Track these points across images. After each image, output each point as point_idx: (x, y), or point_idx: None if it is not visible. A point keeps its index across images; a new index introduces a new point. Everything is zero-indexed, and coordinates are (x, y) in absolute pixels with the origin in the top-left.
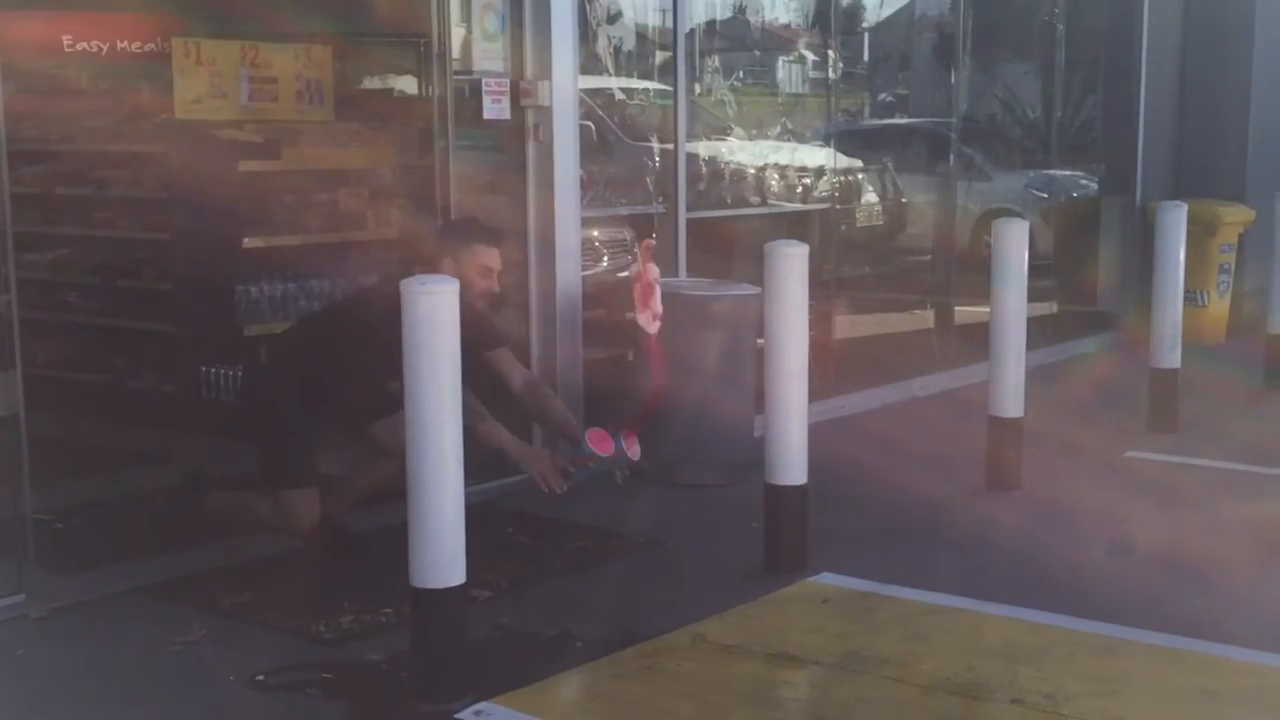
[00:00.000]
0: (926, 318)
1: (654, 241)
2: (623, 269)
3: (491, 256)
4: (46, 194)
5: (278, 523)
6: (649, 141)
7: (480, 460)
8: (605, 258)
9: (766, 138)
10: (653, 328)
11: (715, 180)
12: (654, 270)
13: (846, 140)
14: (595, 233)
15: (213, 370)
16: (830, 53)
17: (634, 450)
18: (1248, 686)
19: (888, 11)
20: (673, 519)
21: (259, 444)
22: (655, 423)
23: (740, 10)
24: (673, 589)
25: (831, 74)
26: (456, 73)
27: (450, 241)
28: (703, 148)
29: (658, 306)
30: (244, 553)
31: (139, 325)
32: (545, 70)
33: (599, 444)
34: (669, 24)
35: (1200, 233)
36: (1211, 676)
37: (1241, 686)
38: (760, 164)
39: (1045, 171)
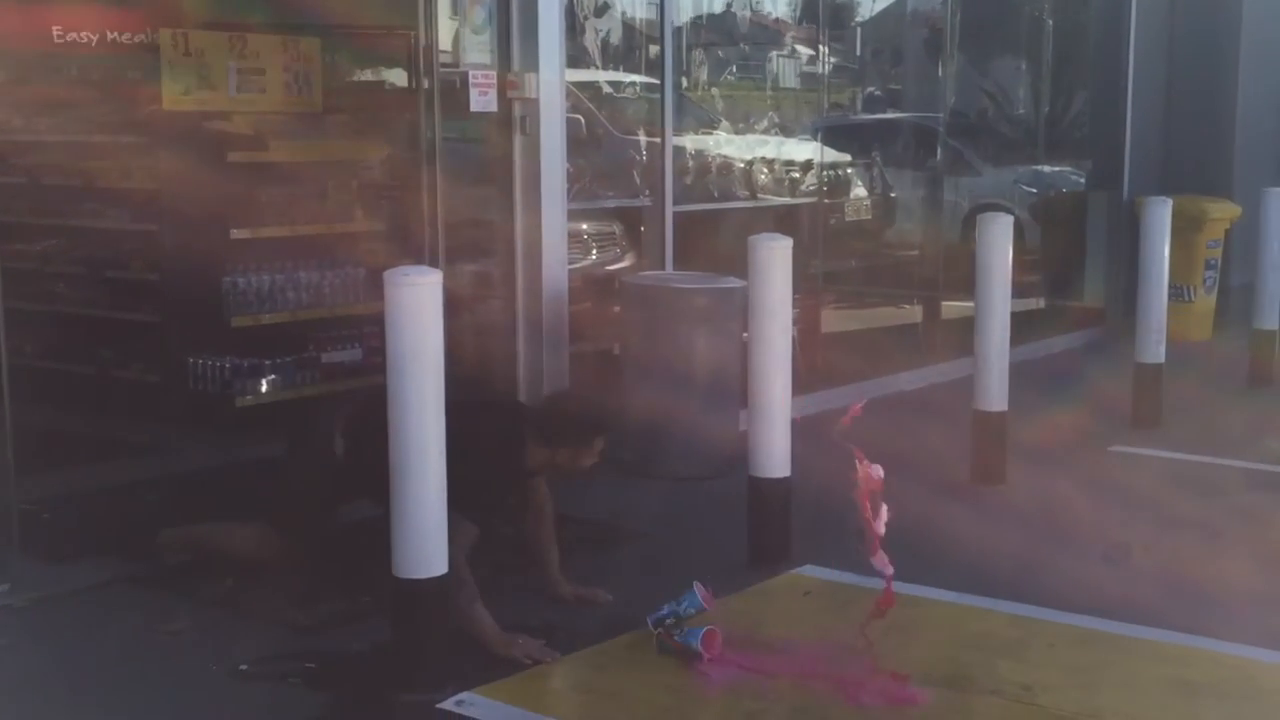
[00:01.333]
0: (914, 312)
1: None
2: (610, 263)
3: (603, 443)
4: (34, 184)
5: (245, 550)
6: (636, 135)
7: None
8: (593, 251)
9: (754, 132)
10: (889, 569)
11: (702, 174)
12: (877, 470)
13: (835, 135)
14: (583, 225)
15: (199, 361)
16: (820, 47)
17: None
18: (1223, 677)
19: (879, 7)
20: (658, 511)
21: (289, 489)
22: (643, 417)
23: (729, 4)
24: (657, 580)
25: (820, 68)
26: (444, 65)
27: (577, 432)
28: (690, 141)
29: (882, 523)
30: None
31: (126, 316)
32: (532, 63)
33: (708, 645)
34: (657, 17)
35: (1187, 228)
36: (1187, 668)
37: (1217, 677)
38: (748, 158)
39: (1034, 167)
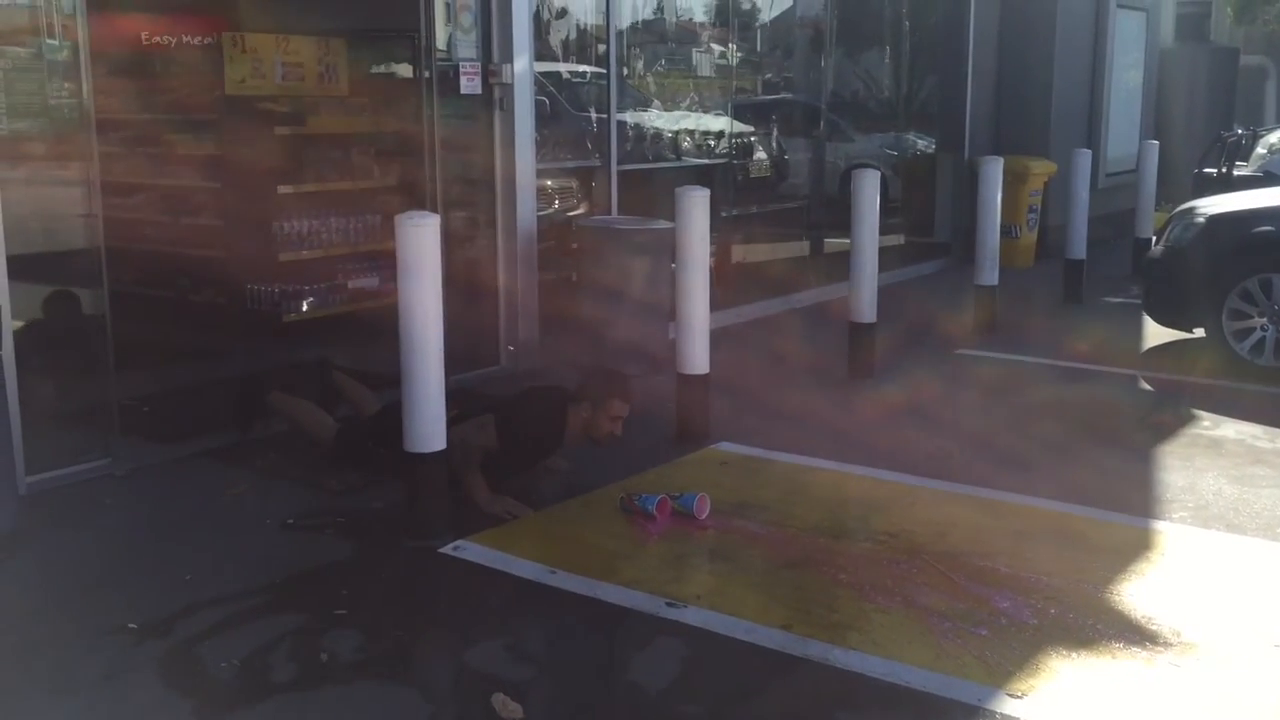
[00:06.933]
0: (803, 247)
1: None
2: (569, 210)
3: (624, 408)
4: (128, 152)
5: (315, 429)
6: (589, 112)
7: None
8: (556, 201)
9: (679, 109)
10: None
11: (639, 141)
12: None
13: (742, 111)
14: (548, 182)
15: (255, 287)
16: (730, 44)
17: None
18: (1048, 527)
19: (775, 12)
20: None
21: (380, 424)
22: (591, 328)
23: (660, 10)
24: (604, 454)
25: (730, 60)
26: (440, 59)
27: (593, 389)
28: (630, 116)
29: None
30: (276, 427)
31: (198, 252)
32: (508, 56)
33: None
34: (604, 22)
35: (1014, 181)
36: (1020, 520)
37: (1043, 527)
38: (675, 129)
39: (895, 134)
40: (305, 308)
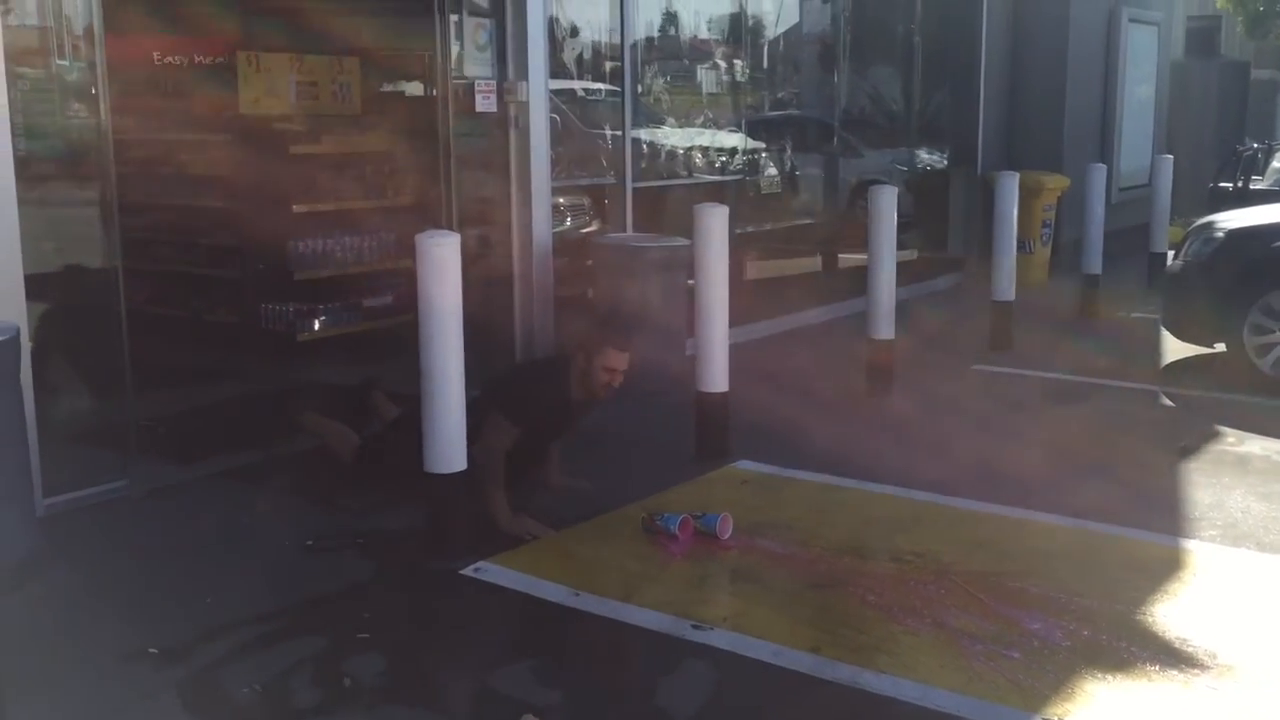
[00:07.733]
0: (816, 263)
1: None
2: (584, 227)
3: (621, 359)
4: (144, 173)
5: (340, 447)
6: (603, 129)
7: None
8: (569, 218)
9: (693, 126)
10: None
11: (654, 158)
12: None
13: (753, 128)
14: (562, 199)
15: (269, 306)
16: (741, 61)
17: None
18: (1075, 546)
19: (784, 28)
20: (627, 418)
21: (399, 432)
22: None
23: (674, 28)
24: (624, 473)
25: (741, 77)
26: (455, 77)
27: (586, 340)
28: (644, 134)
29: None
30: (296, 446)
31: (213, 272)
32: (523, 74)
33: (722, 528)
34: (618, 40)
35: (1027, 196)
36: (1047, 539)
37: (1071, 546)
38: (688, 146)
39: (906, 150)
40: (319, 326)
